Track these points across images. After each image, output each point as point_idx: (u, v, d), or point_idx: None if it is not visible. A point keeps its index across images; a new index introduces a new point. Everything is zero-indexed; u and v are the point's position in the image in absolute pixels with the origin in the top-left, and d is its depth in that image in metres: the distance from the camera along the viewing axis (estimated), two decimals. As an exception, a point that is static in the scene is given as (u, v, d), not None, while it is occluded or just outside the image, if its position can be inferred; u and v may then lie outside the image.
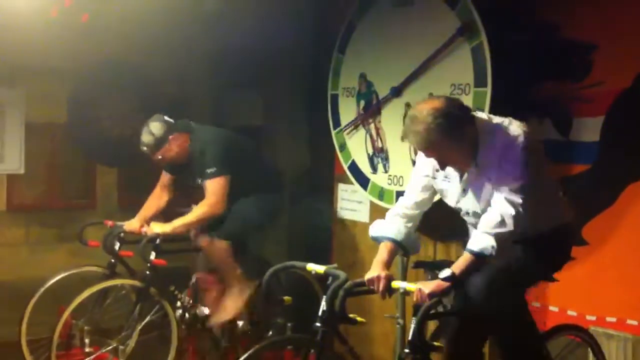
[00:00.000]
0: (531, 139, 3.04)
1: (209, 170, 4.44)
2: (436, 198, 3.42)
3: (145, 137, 4.47)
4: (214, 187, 4.44)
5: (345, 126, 4.86)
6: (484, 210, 3.07)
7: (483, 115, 3.19)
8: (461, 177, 3.16)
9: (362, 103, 4.73)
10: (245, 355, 3.40)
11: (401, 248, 3.35)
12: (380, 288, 3.13)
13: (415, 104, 3.13)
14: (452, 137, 2.99)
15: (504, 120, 3.11)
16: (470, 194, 3.16)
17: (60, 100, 5.53)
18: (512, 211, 2.93)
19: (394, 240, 3.30)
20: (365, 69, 4.69)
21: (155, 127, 4.46)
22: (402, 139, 3.10)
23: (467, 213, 3.23)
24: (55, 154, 5.58)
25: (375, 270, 3.17)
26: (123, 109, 5.72)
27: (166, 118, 4.53)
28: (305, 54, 5.69)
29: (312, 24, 5.56)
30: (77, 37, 5.28)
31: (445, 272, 2.94)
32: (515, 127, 3.05)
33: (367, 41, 4.67)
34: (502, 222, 2.94)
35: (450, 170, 3.17)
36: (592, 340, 3.69)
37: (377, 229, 3.38)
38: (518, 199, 2.95)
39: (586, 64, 3.95)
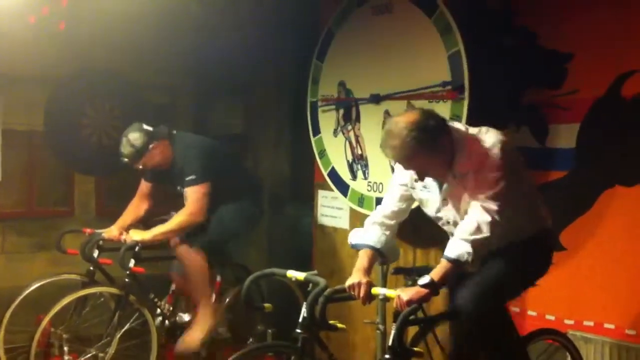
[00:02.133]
0: (507, 146, 3.06)
1: (188, 178, 4.43)
2: (414, 205, 3.45)
3: (125, 149, 4.42)
4: (194, 195, 4.43)
5: (323, 104, 4.85)
6: (460, 219, 3.11)
7: (459, 125, 3.21)
8: (440, 187, 3.19)
9: (342, 110, 4.75)
10: (227, 363, 3.40)
11: (380, 256, 3.37)
12: (361, 294, 3.14)
13: (391, 118, 3.15)
14: (428, 150, 3.02)
15: (481, 129, 3.13)
16: (450, 204, 3.19)
17: (38, 107, 5.49)
18: (488, 218, 2.97)
19: (373, 248, 3.33)
20: (344, 77, 4.71)
21: (134, 137, 4.41)
22: (382, 151, 3.13)
23: (448, 222, 3.27)
24: (33, 162, 5.54)
25: (356, 277, 3.19)
26: (102, 117, 5.70)
27: (145, 126, 4.47)
28: (286, 62, 5.71)
29: (293, 32, 5.58)
30: (55, 45, 5.26)
31: (424, 279, 2.97)
32: (490, 136, 3.08)
33: (346, 49, 4.70)
34: (478, 229, 2.98)
35: (429, 180, 3.20)
36: (570, 344, 3.73)
37: (356, 237, 3.42)
38: (494, 206, 2.98)
39: (562, 72, 4.00)
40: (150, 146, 4.44)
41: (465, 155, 3.06)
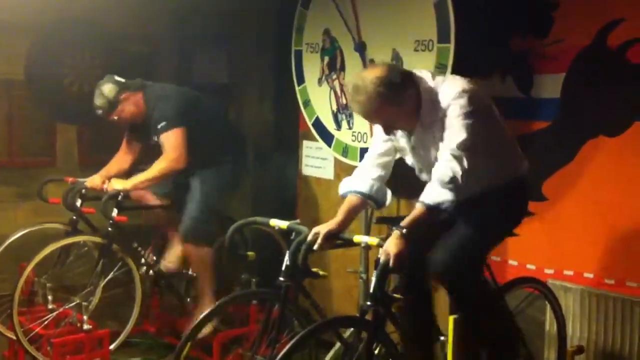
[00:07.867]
0: (473, 94, 3.06)
1: (159, 125, 4.42)
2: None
3: (98, 100, 4.47)
4: (169, 141, 4.40)
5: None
6: (432, 167, 3.12)
7: (426, 74, 3.20)
8: (409, 136, 3.21)
9: (327, 59, 4.70)
10: (210, 309, 3.45)
11: (370, 200, 3.38)
12: (318, 243, 3.17)
13: (357, 74, 3.13)
14: (393, 104, 3.04)
15: (446, 77, 3.16)
16: (419, 153, 3.23)
17: (18, 56, 5.40)
18: (458, 166, 2.98)
19: (361, 193, 3.33)
20: (329, 25, 4.65)
21: (106, 89, 4.44)
22: (350, 105, 3.14)
23: (420, 170, 3.31)
24: (13, 112, 5.47)
25: (321, 226, 3.22)
26: (83, 66, 5.63)
27: (117, 78, 4.50)
28: (271, 10, 5.63)
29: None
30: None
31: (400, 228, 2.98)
32: (455, 83, 3.09)
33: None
34: (448, 177, 2.98)
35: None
36: (550, 293, 3.79)
37: (345, 185, 3.41)
38: (462, 155, 2.99)
39: (548, 21, 3.97)
40: (121, 97, 4.44)
41: (430, 104, 3.08)
